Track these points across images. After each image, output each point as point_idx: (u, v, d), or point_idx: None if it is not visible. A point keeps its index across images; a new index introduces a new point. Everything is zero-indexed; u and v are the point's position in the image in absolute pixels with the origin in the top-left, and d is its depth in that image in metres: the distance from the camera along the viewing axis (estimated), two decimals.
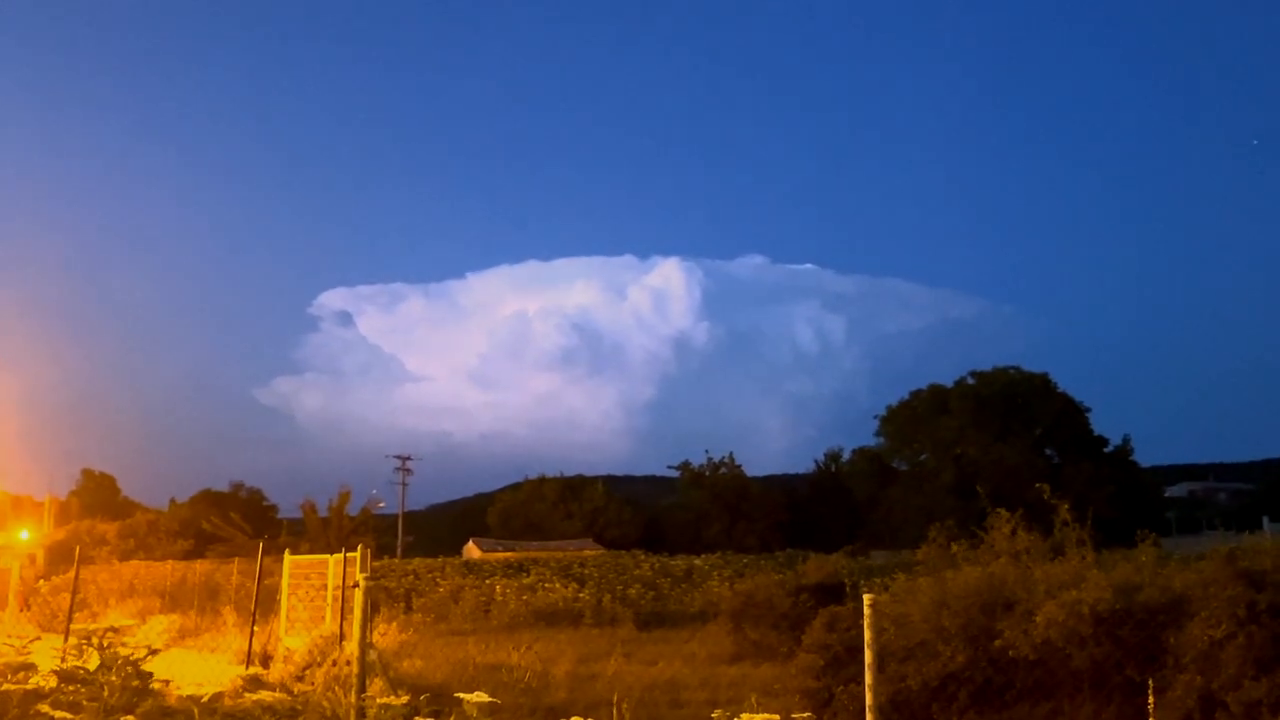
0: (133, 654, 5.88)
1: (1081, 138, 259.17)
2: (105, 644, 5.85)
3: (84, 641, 6.03)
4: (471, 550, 67.81)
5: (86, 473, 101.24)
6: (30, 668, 6.14)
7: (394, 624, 27.25)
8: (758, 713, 4.77)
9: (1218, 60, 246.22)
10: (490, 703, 4.81)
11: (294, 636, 21.02)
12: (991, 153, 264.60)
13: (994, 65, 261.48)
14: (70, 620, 23.67)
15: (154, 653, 6.06)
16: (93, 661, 5.82)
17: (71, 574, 30.94)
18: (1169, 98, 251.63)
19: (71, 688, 5.71)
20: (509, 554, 54.65)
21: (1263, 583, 10.81)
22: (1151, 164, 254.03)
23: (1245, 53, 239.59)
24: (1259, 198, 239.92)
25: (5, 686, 5.60)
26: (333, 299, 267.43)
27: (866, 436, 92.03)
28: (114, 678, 5.63)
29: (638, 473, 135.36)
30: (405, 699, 5.77)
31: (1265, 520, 63.58)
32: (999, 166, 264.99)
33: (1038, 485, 15.82)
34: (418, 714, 5.79)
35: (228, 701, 5.67)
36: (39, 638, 10.18)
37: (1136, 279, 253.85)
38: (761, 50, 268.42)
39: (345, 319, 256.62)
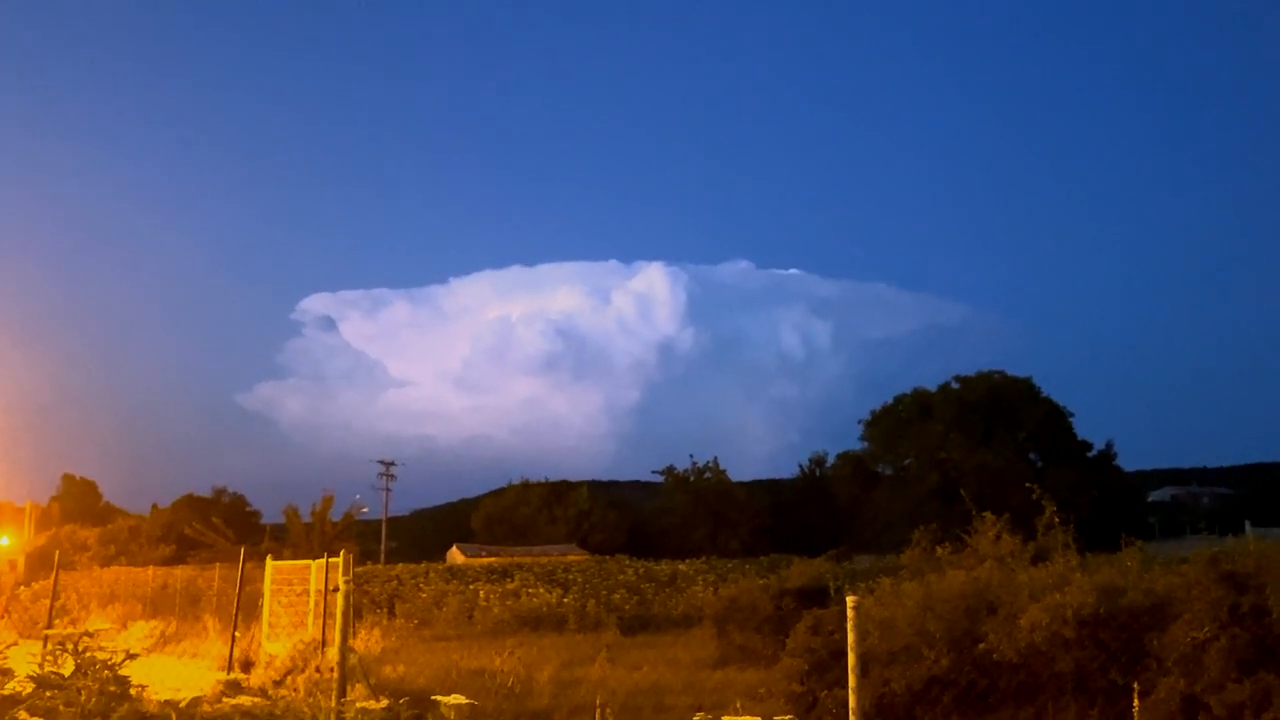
0: (110, 659, 5.82)
1: (1065, 145, 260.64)
2: (81, 649, 5.79)
3: (60, 647, 5.97)
4: (455, 555, 67.69)
5: (68, 478, 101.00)
6: (7, 673, 6.08)
7: (377, 630, 27.18)
8: (742, 716, 4.74)
9: (1200, 68, 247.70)
10: (468, 704, 4.78)
11: (276, 642, 20.92)
12: (976, 159, 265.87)
13: (978, 72, 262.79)
14: (50, 626, 23.52)
15: (132, 657, 6.00)
16: (68, 667, 5.76)
17: (52, 580, 30.76)
18: (1151, 105, 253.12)
19: (48, 693, 5.65)
20: (493, 559, 54.55)
21: (1245, 585, 10.83)
22: (1134, 172, 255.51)
23: (1228, 62, 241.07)
24: (1240, 205, 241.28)
25: None
26: (316, 304, 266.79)
27: (851, 441, 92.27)
28: (90, 683, 5.57)
29: (622, 477, 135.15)
30: (385, 703, 5.73)
31: (1248, 524, 63.77)
32: (983, 173, 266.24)
33: (1027, 485, 15.85)
34: (397, 718, 5.75)
35: (206, 707, 5.63)
36: (16, 643, 10.09)
37: (1120, 285, 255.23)
38: (746, 56, 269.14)
39: (328, 324, 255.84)
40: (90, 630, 6.11)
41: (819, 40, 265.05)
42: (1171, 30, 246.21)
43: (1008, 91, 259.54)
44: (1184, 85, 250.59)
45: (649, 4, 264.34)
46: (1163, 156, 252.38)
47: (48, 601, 30.81)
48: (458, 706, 4.80)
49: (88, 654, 5.78)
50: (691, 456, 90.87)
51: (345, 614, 11.78)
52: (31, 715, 5.27)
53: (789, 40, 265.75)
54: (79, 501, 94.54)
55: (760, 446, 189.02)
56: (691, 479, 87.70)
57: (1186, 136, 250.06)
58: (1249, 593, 10.70)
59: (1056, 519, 14.52)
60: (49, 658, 6.12)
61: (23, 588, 42.84)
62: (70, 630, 6.16)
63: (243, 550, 24.28)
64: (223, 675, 19.94)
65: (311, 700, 11.61)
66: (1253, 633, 10.35)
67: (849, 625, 8.14)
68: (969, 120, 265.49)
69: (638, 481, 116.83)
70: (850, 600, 8.31)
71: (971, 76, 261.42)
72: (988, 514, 15.15)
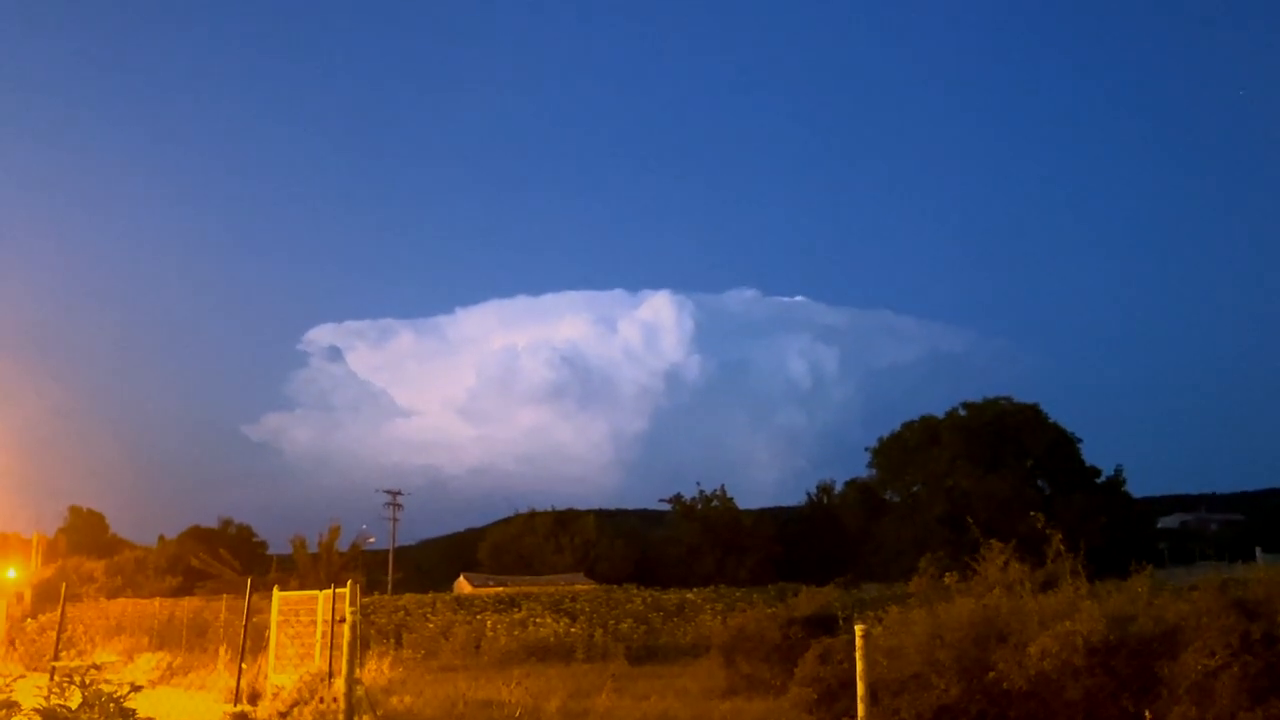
0: (116, 691, 5.81)
1: (1070, 170, 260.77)
2: (88, 681, 5.78)
3: (66, 679, 5.97)
4: (462, 585, 67.57)
5: (74, 510, 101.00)
6: (13, 706, 6.08)
7: (384, 660, 27.08)
8: None
9: (1204, 91, 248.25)
10: None
11: (282, 674, 20.87)
12: (981, 185, 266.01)
13: (982, 98, 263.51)
14: (56, 658, 23.49)
15: (137, 689, 5.99)
16: (75, 699, 5.75)
17: (59, 612, 30.74)
18: (1156, 129, 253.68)
19: None
20: (500, 589, 54.41)
21: (1256, 612, 10.79)
22: (1139, 196, 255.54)
23: (1232, 87, 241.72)
24: (1247, 228, 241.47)
25: None
26: (322, 334, 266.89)
27: (858, 468, 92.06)
28: (97, 715, 5.56)
29: (629, 506, 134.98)
30: None
31: (1258, 550, 63.64)
32: (988, 199, 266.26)
33: (1032, 514, 15.80)
34: None
35: None
36: (24, 676, 10.08)
37: (1127, 310, 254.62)
38: (749, 83, 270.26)
39: (335, 354, 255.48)
40: (97, 663, 6.12)
41: (821, 70, 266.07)
42: (1179, 56, 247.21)
43: (1012, 117, 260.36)
44: (1190, 107, 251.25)
45: (653, 35, 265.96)
46: (1168, 180, 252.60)
47: (54, 634, 30.80)
48: None
49: (94, 686, 5.77)
50: (699, 484, 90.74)
51: (352, 645, 11.77)
52: None
53: (792, 70, 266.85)
54: (85, 533, 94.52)
55: (767, 474, 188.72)
56: (699, 507, 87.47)
57: (1192, 161, 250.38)
58: (1260, 620, 10.66)
59: (1063, 546, 14.48)
60: (56, 690, 6.12)
61: (29, 620, 42.78)
62: (77, 663, 6.17)
63: (249, 581, 24.24)
64: (230, 707, 19.99)
65: None
66: (1264, 660, 10.30)
67: (858, 654, 8.12)
68: (972, 146, 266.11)
69: (645, 510, 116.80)
70: (859, 629, 8.30)
71: (975, 102, 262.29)
72: (995, 541, 15.11)
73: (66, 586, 33.00)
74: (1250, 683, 10.19)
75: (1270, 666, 10.26)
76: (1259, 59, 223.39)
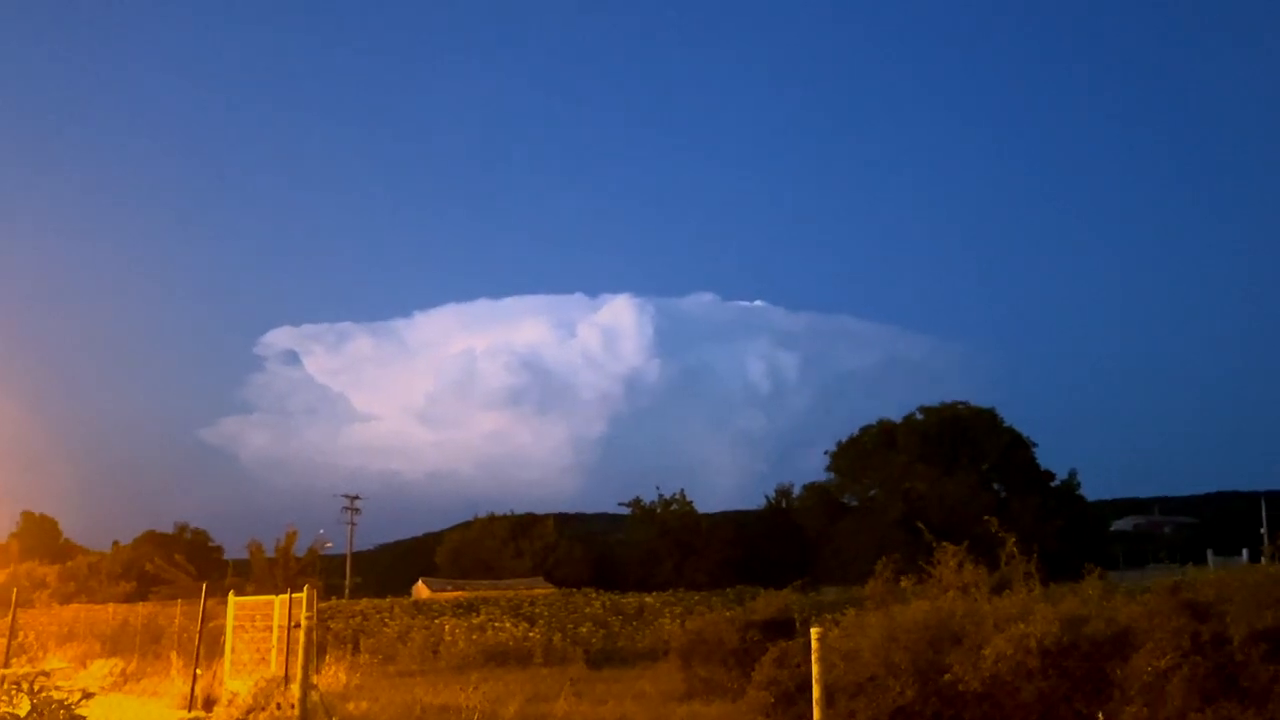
0: (67, 698, 5.75)
1: (1029, 175, 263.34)
2: (37, 688, 5.72)
3: (15, 686, 5.89)
4: (421, 590, 67.21)
5: (27, 515, 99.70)
6: None
7: (341, 666, 26.91)
8: None
9: (1175, 97, 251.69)
10: None
11: (238, 679, 20.68)
12: (940, 191, 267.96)
13: (943, 104, 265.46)
14: (6, 665, 23.19)
15: (89, 696, 5.93)
16: (23, 706, 5.69)
17: (9, 618, 30.34)
18: (1116, 135, 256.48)
19: None
20: (459, 593, 54.14)
21: (1206, 614, 10.93)
22: (1098, 204, 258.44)
23: (1204, 91, 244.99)
24: (1205, 235, 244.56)
25: None
26: (279, 338, 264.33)
27: (817, 472, 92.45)
28: None
29: (588, 510, 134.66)
30: None
31: (1209, 553, 64.55)
32: (946, 206, 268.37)
33: (985, 518, 15.95)
34: None
35: None
36: None
37: (1081, 316, 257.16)
38: (708, 87, 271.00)
39: (291, 358, 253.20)
40: (47, 669, 6.05)
41: (781, 73, 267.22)
42: (1150, 61, 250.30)
43: (972, 121, 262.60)
44: (1149, 114, 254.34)
45: (611, 42, 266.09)
46: (1124, 188, 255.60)
47: (4, 640, 30.38)
48: None
49: (44, 693, 5.71)
50: (658, 488, 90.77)
51: (308, 650, 11.70)
52: None
53: (751, 73, 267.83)
54: (38, 538, 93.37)
55: (726, 478, 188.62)
56: (658, 511, 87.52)
57: (1151, 168, 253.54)
58: (1210, 621, 10.79)
59: (1017, 549, 14.63)
60: (4, 697, 6.04)
61: None
62: (27, 669, 6.10)
63: (205, 586, 24.04)
64: (184, 713, 19.81)
65: None
66: (1214, 661, 10.44)
67: (813, 657, 8.16)
68: (931, 151, 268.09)
69: (604, 514, 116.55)
70: (815, 632, 8.34)
71: (935, 109, 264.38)
72: (948, 544, 15.23)
73: (18, 592, 32.57)
74: (1200, 683, 10.32)
75: (1220, 668, 10.40)
76: (1236, 69, 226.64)
